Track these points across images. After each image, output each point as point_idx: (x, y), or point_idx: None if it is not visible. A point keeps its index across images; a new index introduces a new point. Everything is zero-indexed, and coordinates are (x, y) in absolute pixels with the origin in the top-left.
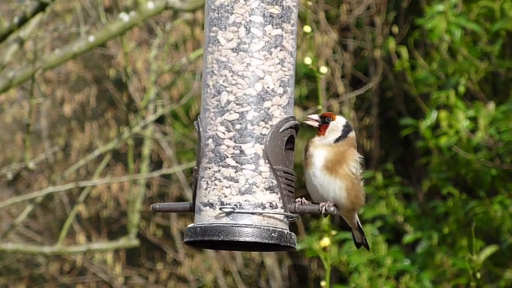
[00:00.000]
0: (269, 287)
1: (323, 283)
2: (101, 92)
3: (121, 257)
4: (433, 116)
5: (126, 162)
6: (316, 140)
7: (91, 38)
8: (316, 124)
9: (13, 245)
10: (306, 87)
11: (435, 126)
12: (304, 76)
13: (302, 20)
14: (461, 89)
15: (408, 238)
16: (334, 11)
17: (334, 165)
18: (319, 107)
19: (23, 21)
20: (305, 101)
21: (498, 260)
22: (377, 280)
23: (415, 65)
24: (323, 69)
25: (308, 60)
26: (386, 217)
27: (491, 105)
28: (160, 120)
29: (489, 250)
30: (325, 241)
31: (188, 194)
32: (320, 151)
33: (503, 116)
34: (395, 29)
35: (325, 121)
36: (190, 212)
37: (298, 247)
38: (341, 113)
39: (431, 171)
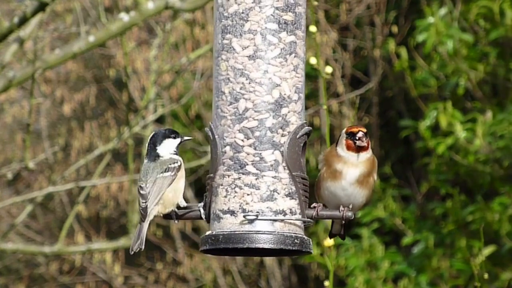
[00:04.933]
0: (269, 287)
1: (326, 283)
2: (101, 92)
3: (120, 257)
4: (432, 116)
5: (126, 162)
6: (350, 157)
7: (91, 38)
8: (364, 143)
9: (13, 245)
10: (307, 87)
11: (435, 127)
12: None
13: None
14: (460, 90)
15: (406, 240)
16: (334, 11)
17: (366, 177)
18: (324, 107)
19: (23, 21)
20: (305, 101)
21: (496, 261)
22: (376, 283)
23: (415, 65)
24: (328, 69)
25: (313, 60)
26: (384, 219)
27: (489, 114)
28: (160, 120)
29: (488, 250)
30: (329, 241)
31: (188, 194)
32: (354, 168)
33: (500, 122)
34: (395, 29)
35: (367, 136)
36: (200, 219)
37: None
38: (340, 112)
39: (430, 172)
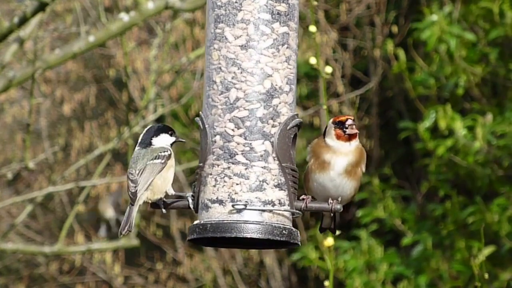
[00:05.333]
0: (269, 287)
1: (326, 283)
2: (101, 91)
3: (120, 257)
4: (431, 117)
5: (126, 162)
6: (341, 146)
7: (91, 38)
8: (355, 130)
9: (13, 245)
10: (306, 86)
11: (434, 128)
12: (304, 76)
13: (302, 19)
14: (460, 90)
15: (406, 241)
16: (334, 11)
17: (354, 167)
18: (324, 107)
19: (23, 21)
20: (305, 100)
21: (496, 262)
22: (375, 284)
23: (414, 67)
24: (328, 69)
25: (313, 60)
26: (384, 220)
27: (489, 116)
28: (160, 120)
29: (488, 251)
30: (329, 241)
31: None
32: (343, 157)
33: (500, 122)
34: (395, 29)
35: (355, 124)
36: (188, 209)
37: (295, 256)
38: (340, 112)
39: (430, 172)
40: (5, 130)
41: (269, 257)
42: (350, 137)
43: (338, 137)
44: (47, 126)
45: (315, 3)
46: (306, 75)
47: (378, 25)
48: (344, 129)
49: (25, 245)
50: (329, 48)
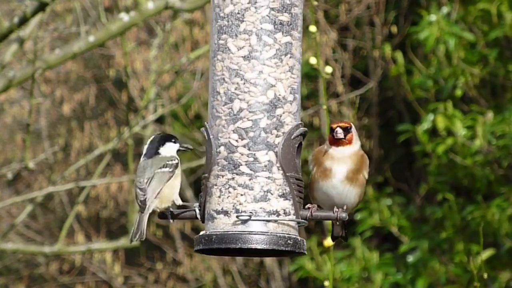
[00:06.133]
0: (269, 287)
1: (326, 283)
2: (101, 92)
3: (120, 256)
4: (429, 119)
5: (126, 162)
6: (335, 151)
7: (91, 38)
8: (342, 136)
9: (13, 245)
10: (306, 87)
11: (433, 130)
12: (304, 76)
13: (303, 19)
14: (458, 91)
15: (403, 248)
16: (334, 11)
17: (355, 173)
18: (324, 107)
19: (23, 21)
20: (305, 101)
21: (495, 263)
22: None
23: (412, 69)
24: (328, 69)
25: (313, 60)
26: (381, 223)
27: (490, 115)
28: (160, 120)
29: (486, 254)
30: (329, 242)
31: (188, 194)
32: (343, 164)
33: (499, 122)
34: (395, 29)
35: (348, 131)
36: (196, 219)
37: (291, 267)
38: (340, 112)
39: (430, 173)
40: (5, 130)
41: (269, 258)
42: (338, 143)
43: (330, 142)
44: (47, 126)
45: (315, 3)
46: (306, 75)
47: (378, 25)
48: (333, 135)
49: (25, 245)
50: (329, 48)
